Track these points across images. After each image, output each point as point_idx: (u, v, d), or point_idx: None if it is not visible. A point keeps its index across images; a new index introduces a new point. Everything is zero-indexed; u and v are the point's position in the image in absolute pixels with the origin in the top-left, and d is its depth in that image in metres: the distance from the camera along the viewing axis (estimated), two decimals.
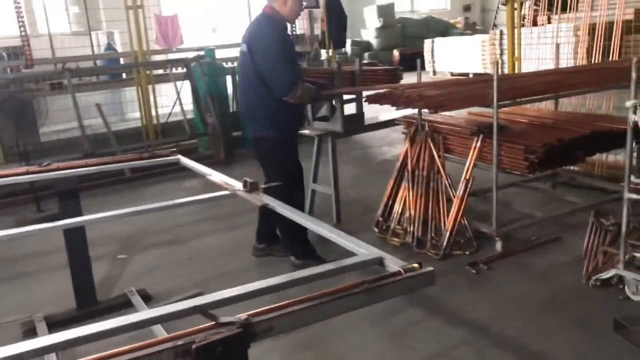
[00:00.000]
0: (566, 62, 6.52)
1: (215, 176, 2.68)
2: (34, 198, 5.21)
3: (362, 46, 16.33)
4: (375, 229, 4.21)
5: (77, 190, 3.09)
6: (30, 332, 3.05)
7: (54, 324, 3.08)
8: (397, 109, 3.82)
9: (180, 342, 1.17)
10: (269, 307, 1.31)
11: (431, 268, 1.50)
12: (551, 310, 3.03)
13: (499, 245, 3.75)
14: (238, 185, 2.48)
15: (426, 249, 3.82)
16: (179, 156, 3.19)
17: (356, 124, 4.57)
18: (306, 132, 4.63)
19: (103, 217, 2.21)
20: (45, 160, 3.09)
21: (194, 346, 1.16)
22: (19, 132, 5.37)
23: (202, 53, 7.16)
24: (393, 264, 1.56)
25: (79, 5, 11.19)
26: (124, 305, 3.31)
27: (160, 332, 2.76)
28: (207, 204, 5.10)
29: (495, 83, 3.43)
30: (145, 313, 1.41)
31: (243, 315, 1.25)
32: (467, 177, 3.81)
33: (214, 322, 1.24)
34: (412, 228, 3.95)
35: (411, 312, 3.12)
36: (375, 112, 5.31)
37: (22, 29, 6.57)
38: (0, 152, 5.88)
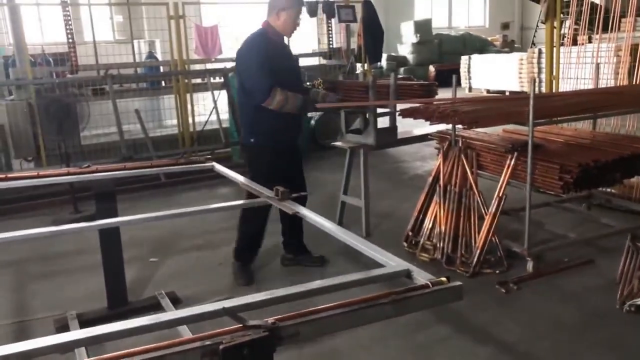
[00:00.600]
0: (606, 82, 6.38)
1: (249, 184, 2.72)
2: (72, 199, 5.36)
3: (398, 61, 16.34)
4: (405, 244, 4.19)
5: (114, 192, 3.18)
6: (62, 328, 3.14)
7: (86, 322, 3.16)
8: (430, 124, 3.81)
9: (208, 342, 1.20)
10: (296, 312, 1.33)
11: (459, 283, 1.49)
12: (582, 334, 2.96)
13: (530, 266, 3.69)
14: (270, 193, 2.51)
15: (455, 266, 3.78)
16: (214, 163, 3.25)
17: (389, 137, 4.58)
18: (338, 144, 4.66)
19: (138, 219, 2.27)
20: (84, 162, 3.20)
21: (221, 347, 1.18)
22: (62, 134, 5.55)
23: None
24: (421, 277, 1.56)
25: (123, 15, 11.54)
26: (153, 307, 3.37)
27: (186, 334, 2.81)
28: (239, 212, 5.18)
29: (531, 100, 3.40)
30: (175, 313, 1.44)
31: (270, 320, 1.27)
32: (500, 194, 3.77)
33: (241, 325, 1.27)
34: (442, 244, 3.92)
35: (438, 328, 3.09)
36: (408, 127, 5.31)
37: (69, 36, 6.83)
38: (42, 153, 6.08)
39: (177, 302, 3.42)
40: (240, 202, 2.60)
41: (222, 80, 7.11)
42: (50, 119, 5.66)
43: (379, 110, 4.45)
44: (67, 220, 5.16)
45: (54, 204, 5.53)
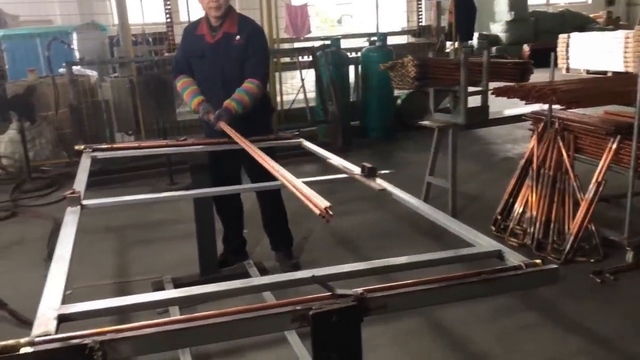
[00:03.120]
0: None
1: (335, 160, 2.75)
2: (168, 171, 5.66)
3: (490, 40, 15.67)
4: (492, 228, 4.07)
5: (208, 165, 3.32)
6: (158, 290, 3.35)
7: (180, 286, 3.34)
8: (526, 104, 3.65)
9: (298, 307, 1.24)
10: (385, 285, 1.34)
11: (555, 265, 1.44)
12: None
13: (629, 256, 3.47)
14: (356, 170, 2.52)
15: (546, 252, 3.63)
16: (302, 139, 3.30)
17: (480, 117, 4.44)
18: (426, 123, 4.59)
19: (230, 190, 2.35)
20: (180, 137, 3.35)
21: (310, 312, 1.22)
22: (159, 110, 5.86)
23: (328, 42, 7.31)
24: (513, 258, 1.52)
25: None
26: (242, 275, 3.50)
27: (270, 298, 2.91)
28: (325, 189, 5.25)
29: (639, 80, 3.16)
30: (266, 278, 1.50)
31: (359, 290, 1.29)
32: (599, 179, 3.55)
33: (330, 293, 1.30)
34: (532, 229, 3.77)
35: (525, 314, 3.00)
36: (500, 107, 5.12)
37: (167, 17, 7.14)
38: (142, 127, 6.45)
39: (264, 272, 3.54)
40: (326, 177, 2.63)
41: (310, 59, 7.17)
42: (149, 95, 5.99)
43: (470, 88, 4.31)
44: (164, 190, 5.47)
45: (152, 176, 5.86)
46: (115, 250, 4.15)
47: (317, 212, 1.52)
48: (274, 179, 3.57)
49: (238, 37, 3.25)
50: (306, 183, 2.68)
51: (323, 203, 1.65)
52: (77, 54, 7.63)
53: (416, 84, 4.18)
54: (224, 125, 3.03)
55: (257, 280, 1.44)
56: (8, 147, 6.34)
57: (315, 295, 1.29)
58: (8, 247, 4.24)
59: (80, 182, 2.37)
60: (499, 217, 4.08)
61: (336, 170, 2.63)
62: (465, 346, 2.76)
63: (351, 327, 1.25)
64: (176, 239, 4.18)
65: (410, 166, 5.79)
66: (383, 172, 2.47)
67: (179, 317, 1.20)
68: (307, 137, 3.34)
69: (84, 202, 2.11)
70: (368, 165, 2.43)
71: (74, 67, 6.37)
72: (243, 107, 3.17)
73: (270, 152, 3.38)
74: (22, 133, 5.76)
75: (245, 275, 3.48)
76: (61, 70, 6.67)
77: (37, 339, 1.10)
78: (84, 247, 4.05)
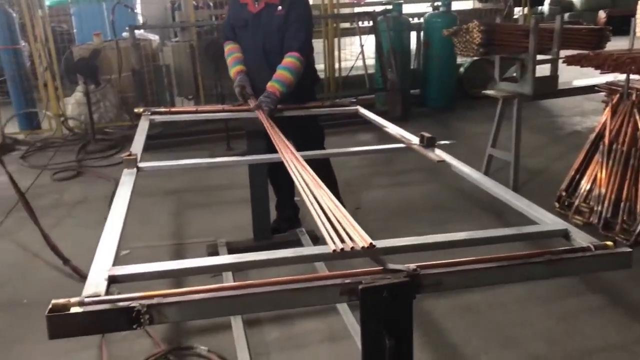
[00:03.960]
0: None
1: (392, 129, 2.66)
2: (225, 137, 5.71)
3: (563, 6, 14.83)
4: (556, 204, 3.88)
5: (263, 131, 3.29)
6: (213, 254, 3.40)
7: (233, 250, 3.40)
8: (601, 73, 3.40)
9: (347, 281, 1.19)
10: (441, 261, 1.27)
11: (628, 249, 1.32)
12: None
13: None
14: (415, 139, 2.43)
15: (614, 233, 3.42)
16: (358, 107, 3.22)
17: (548, 87, 4.19)
18: (490, 92, 4.38)
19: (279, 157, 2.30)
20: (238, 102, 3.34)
21: (360, 287, 1.17)
22: (218, 75, 5.88)
23: (389, 7, 7.08)
24: (580, 238, 1.41)
25: None
26: (294, 243, 3.52)
27: (322, 269, 2.89)
28: (380, 159, 5.17)
29: None
30: (317, 248, 1.46)
31: (412, 266, 1.23)
32: None
33: (381, 268, 1.24)
34: (600, 207, 3.56)
35: (588, 297, 2.85)
36: (569, 77, 4.83)
37: None
38: (201, 92, 6.52)
39: (315, 240, 3.52)
40: (383, 146, 2.54)
41: (370, 24, 6.98)
42: (209, 59, 6.01)
43: (539, 56, 4.06)
44: (221, 156, 5.54)
45: (210, 141, 5.93)
46: (173, 213, 4.24)
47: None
48: (319, 148, 3.56)
49: (279, 7, 3.16)
50: (362, 152, 2.62)
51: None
52: (140, 18, 7.76)
53: (481, 51, 3.97)
54: (261, 115, 2.91)
55: (308, 250, 1.41)
56: (74, 109, 6.57)
57: (366, 269, 1.24)
58: (73, 205, 4.42)
59: (137, 144, 2.39)
60: (563, 193, 3.88)
61: (393, 139, 2.54)
62: (525, 325, 2.65)
63: (403, 303, 1.20)
64: (231, 204, 4.22)
65: (471, 137, 5.60)
66: (442, 142, 2.37)
67: (227, 284, 1.18)
68: (365, 105, 3.24)
69: (140, 164, 2.13)
70: (427, 135, 2.33)
71: (137, 31, 6.47)
72: (287, 86, 3.08)
73: (313, 122, 3.27)
74: (87, 96, 5.94)
75: (297, 243, 3.49)
76: (124, 34, 6.81)
77: (86, 299, 1.11)
78: (145, 209, 4.17)
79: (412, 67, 7.40)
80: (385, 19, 6.84)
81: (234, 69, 3.29)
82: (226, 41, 3.42)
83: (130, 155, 2.13)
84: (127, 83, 6.56)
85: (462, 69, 7.49)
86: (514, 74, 4.34)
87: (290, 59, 3.12)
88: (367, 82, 6.93)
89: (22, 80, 6.51)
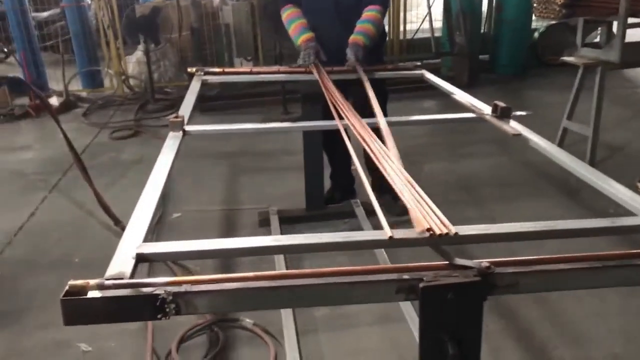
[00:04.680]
0: None
1: (461, 96, 2.41)
2: (282, 100, 5.56)
3: None
4: (638, 185, 3.51)
5: (320, 95, 3.10)
6: (264, 222, 3.29)
7: (284, 220, 3.27)
8: None
9: (405, 276, 1.01)
10: (518, 258, 1.06)
11: None
12: None
13: None
14: (487, 109, 2.18)
15: None
16: (424, 71, 2.97)
17: (638, 55, 3.76)
18: (570, 59, 3.99)
19: (332, 124, 2.11)
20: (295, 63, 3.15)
21: (421, 285, 0.99)
22: (277, 35, 5.68)
23: None
24: None
25: None
26: (348, 214, 3.36)
27: (381, 256, 2.72)
28: (443, 128, 4.88)
29: None
30: (371, 234, 1.27)
31: (484, 262, 1.03)
32: None
33: (447, 262, 1.05)
34: None
35: None
36: None
37: None
38: (260, 53, 6.36)
39: (370, 213, 3.34)
40: (452, 115, 2.30)
41: None
42: (268, 20, 5.82)
43: (630, 19, 3.63)
44: (277, 120, 5.40)
45: (266, 104, 5.80)
46: (226, 177, 4.16)
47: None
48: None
49: None
50: (428, 121, 2.39)
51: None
52: None
53: (564, 12, 3.59)
54: (359, 69, 2.73)
55: (360, 235, 1.23)
56: (135, 68, 6.58)
57: (428, 263, 1.05)
58: (128, 166, 4.41)
59: (186, 106, 2.26)
60: None
61: (463, 108, 2.29)
62: (600, 319, 2.40)
63: (471, 307, 1.01)
64: (285, 171, 4.09)
65: (543, 108, 5.19)
66: (518, 113, 2.12)
67: (265, 273, 1.02)
68: (430, 70, 2.99)
69: (187, 127, 2.00)
70: (501, 104, 2.08)
71: None
72: (371, 39, 2.90)
73: (380, 86, 3.04)
74: (147, 54, 5.90)
75: (351, 214, 3.32)
76: None
77: (107, 282, 0.98)
78: (198, 171, 4.10)
79: (482, 30, 6.95)
80: None
81: (303, 36, 3.00)
82: (285, 5, 3.12)
83: (177, 117, 2.00)
84: (186, 42, 6.49)
85: (536, 34, 6.98)
86: (595, 40, 3.93)
87: (372, 13, 2.94)
88: (434, 46, 6.57)
89: (86, 38, 6.56)
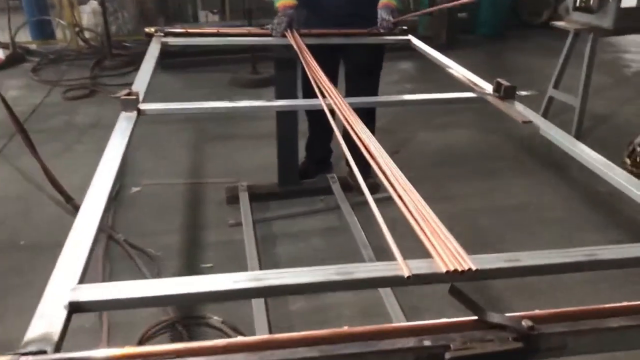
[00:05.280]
0: None
1: (457, 70, 2.14)
2: (251, 58, 5.17)
3: None
4: (627, 160, 3.36)
5: (294, 59, 2.80)
6: (233, 199, 3.02)
7: (255, 197, 3.01)
8: None
9: (427, 342, 0.77)
10: (562, 310, 0.84)
11: None
12: None
13: None
14: (486, 86, 1.93)
15: None
16: (411, 37, 2.68)
17: (634, 21, 3.55)
18: (561, 24, 3.76)
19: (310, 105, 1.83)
20: (266, 21, 2.82)
21: (447, 356, 0.75)
22: None
23: None
24: None
25: None
26: (324, 190, 3.12)
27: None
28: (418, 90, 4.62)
29: None
30: (385, 268, 1.00)
31: (524, 319, 0.80)
32: None
33: (476, 318, 0.81)
34: None
35: None
36: None
37: None
38: (227, 7, 5.92)
39: (348, 189, 3.10)
40: (449, 95, 2.01)
41: None
42: None
43: None
44: (245, 81, 5.04)
45: (233, 62, 5.40)
46: (191, 145, 3.84)
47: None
48: (374, 82, 3.06)
49: None
50: (423, 101, 2.13)
51: None
52: None
53: None
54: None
55: (365, 269, 0.96)
56: (90, 19, 6.05)
57: (452, 320, 0.81)
58: (84, 129, 4.03)
59: (142, 77, 1.93)
60: (638, 147, 3.35)
61: (455, 82, 2.04)
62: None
63: None
64: (257, 139, 3.78)
65: (523, 73, 4.96)
66: (523, 93, 1.88)
67: (240, 340, 0.76)
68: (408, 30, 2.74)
69: (142, 106, 1.68)
70: (505, 82, 1.84)
71: None
72: (400, 1, 2.80)
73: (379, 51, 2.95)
74: (102, 4, 5.39)
75: (327, 190, 3.08)
76: None
77: (22, 359, 0.71)
78: (160, 138, 3.77)
79: None
80: None
81: (284, 1, 2.66)
82: None
83: (130, 93, 1.68)
84: None
85: None
86: (587, 2, 3.69)
87: None
88: (411, 3, 6.23)
89: None
